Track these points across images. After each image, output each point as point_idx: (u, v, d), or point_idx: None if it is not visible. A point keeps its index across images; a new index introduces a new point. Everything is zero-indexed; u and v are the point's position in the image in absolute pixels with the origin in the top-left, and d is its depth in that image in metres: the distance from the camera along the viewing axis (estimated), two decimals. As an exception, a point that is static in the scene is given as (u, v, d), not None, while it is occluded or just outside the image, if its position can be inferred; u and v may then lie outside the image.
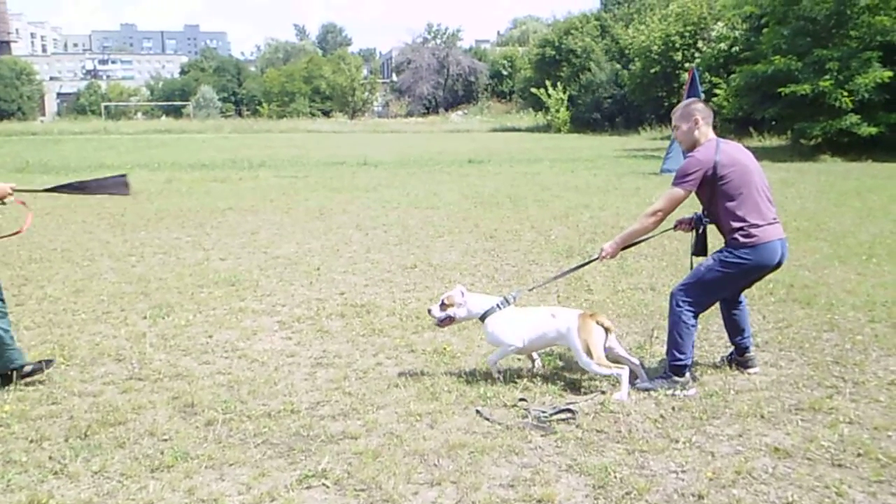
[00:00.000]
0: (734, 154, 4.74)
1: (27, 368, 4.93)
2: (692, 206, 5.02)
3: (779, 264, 4.78)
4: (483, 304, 5.02)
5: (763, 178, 4.81)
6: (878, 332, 5.98)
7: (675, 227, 5.27)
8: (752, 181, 4.70)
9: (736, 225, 4.67)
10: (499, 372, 5.00)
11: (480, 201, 14.64)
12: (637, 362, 4.96)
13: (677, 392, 4.70)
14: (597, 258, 5.22)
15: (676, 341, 4.79)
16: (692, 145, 4.83)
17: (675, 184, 4.74)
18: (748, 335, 5.13)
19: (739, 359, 5.14)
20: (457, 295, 5.02)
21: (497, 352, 4.99)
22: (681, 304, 4.79)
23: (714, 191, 4.69)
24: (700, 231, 5.04)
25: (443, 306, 5.03)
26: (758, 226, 4.65)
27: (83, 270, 8.57)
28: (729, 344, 5.27)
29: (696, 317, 4.81)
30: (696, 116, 4.80)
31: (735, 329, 5.12)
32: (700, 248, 5.05)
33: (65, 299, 7.25)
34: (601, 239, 4.97)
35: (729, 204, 4.67)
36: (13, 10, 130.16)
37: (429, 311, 5.16)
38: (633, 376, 4.83)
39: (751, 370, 5.08)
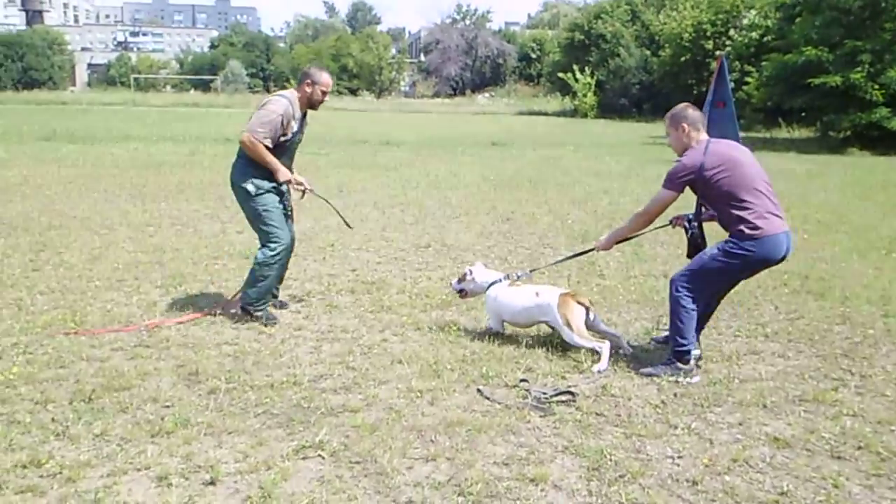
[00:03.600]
0: (724, 152, 4.69)
1: None
2: (687, 206, 5.08)
3: (783, 258, 4.73)
4: (487, 279, 5.56)
5: (762, 173, 4.74)
6: (890, 327, 5.91)
7: (671, 224, 5.33)
8: (748, 174, 4.64)
9: (740, 218, 4.61)
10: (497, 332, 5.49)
11: (500, 183, 14.60)
12: (618, 334, 5.28)
13: (680, 379, 4.69)
14: (592, 249, 5.53)
15: (678, 326, 4.76)
16: (683, 150, 4.82)
17: (663, 185, 4.78)
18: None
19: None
20: (467, 272, 5.66)
21: (490, 321, 5.56)
22: (680, 289, 4.77)
23: (711, 190, 4.67)
24: (690, 235, 5.08)
25: (460, 280, 5.71)
26: (763, 218, 4.59)
27: (101, 239, 8.66)
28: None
29: (695, 302, 4.77)
30: (683, 124, 4.81)
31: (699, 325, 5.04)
32: (692, 251, 5.07)
33: (81, 266, 7.34)
34: (618, 225, 5.08)
35: (730, 200, 4.63)
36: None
37: (451, 283, 5.91)
38: (615, 347, 5.10)
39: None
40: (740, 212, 4.60)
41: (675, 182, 4.72)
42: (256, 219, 5.69)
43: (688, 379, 4.69)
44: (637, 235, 5.30)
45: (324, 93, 5.67)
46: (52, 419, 3.97)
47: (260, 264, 5.67)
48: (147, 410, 4.11)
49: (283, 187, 5.79)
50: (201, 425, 3.93)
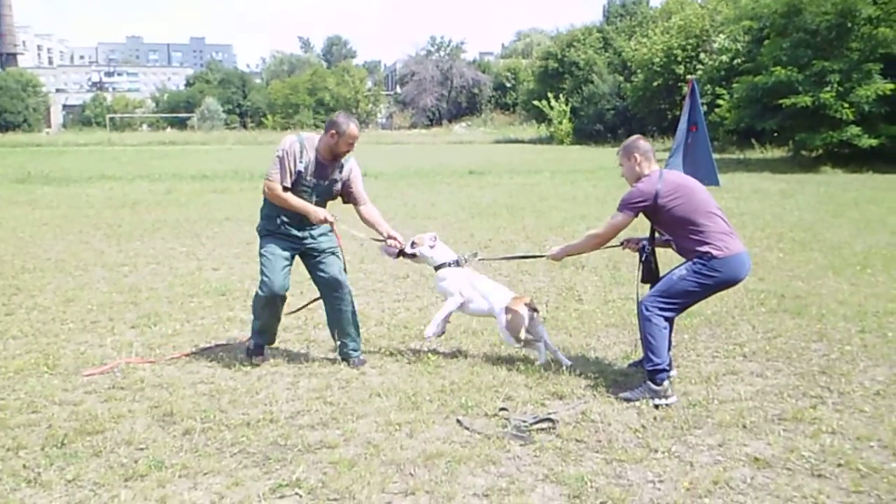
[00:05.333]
0: (676, 181, 4.89)
1: None
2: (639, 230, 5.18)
3: (743, 277, 4.88)
4: (444, 257, 5.68)
5: (712, 199, 4.91)
6: (867, 343, 5.95)
7: (622, 245, 5.42)
8: (701, 200, 4.83)
9: (702, 240, 4.74)
10: (436, 335, 5.63)
11: (478, 212, 14.64)
12: (554, 348, 5.53)
13: (657, 400, 4.68)
14: (544, 256, 5.77)
15: (650, 343, 4.79)
16: (636, 179, 4.99)
17: (618, 209, 4.92)
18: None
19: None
20: (427, 238, 5.70)
21: (443, 307, 5.62)
22: (650, 308, 4.83)
23: (667, 216, 4.83)
24: (644, 259, 5.17)
25: (413, 245, 5.68)
26: (724, 239, 4.74)
27: (75, 280, 8.58)
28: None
29: (667, 321, 4.84)
30: (635, 154, 4.98)
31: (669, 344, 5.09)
32: (647, 275, 5.18)
33: (54, 309, 7.25)
34: (572, 241, 5.32)
35: (687, 225, 4.78)
36: (20, 23, 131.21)
37: (406, 245, 5.71)
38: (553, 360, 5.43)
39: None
40: (700, 236, 4.74)
41: (629, 207, 4.88)
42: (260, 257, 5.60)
43: (665, 400, 4.68)
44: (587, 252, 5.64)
45: (350, 144, 5.40)
46: (24, 466, 3.90)
47: (252, 307, 5.69)
48: (121, 454, 4.04)
49: (316, 231, 5.60)
50: (176, 467, 3.86)
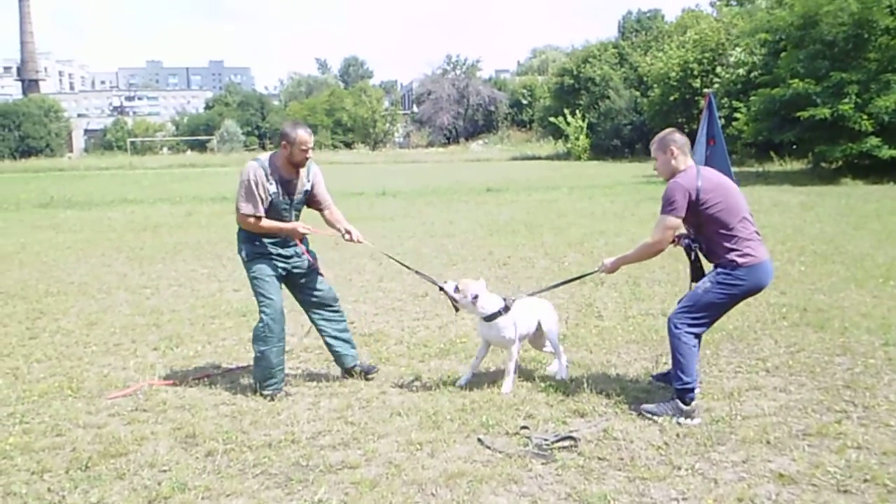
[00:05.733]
0: (715, 179, 4.75)
1: None
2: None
3: (767, 284, 4.80)
4: (492, 306, 5.37)
5: (745, 202, 4.79)
6: (891, 356, 5.88)
7: (674, 242, 5.05)
8: (737, 203, 4.70)
9: (731, 247, 4.66)
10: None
11: (496, 229, 14.65)
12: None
13: (682, 419, 4.64)
14: (596, 271, 5.37)
15: (679, 362, 4.73)
16: (671, 174, 4.83)
17: (663, 212, 4.74)
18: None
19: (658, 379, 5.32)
20: (472, 289, 5.36)
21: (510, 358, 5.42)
22: (679, 326, 4.76)
23: (701, 217, 4.68)
24: (693, 258, 5.00)
25: (456, 290, 5.41)
26: (751, 246, 4.67)
27: (98, 303, 8.66)
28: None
29: (697, 338, 4.77)
30: (672, 147, 4.83)
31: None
32: (696, 274, 5.01)
33: (78, 332, 7.32)
34: (625, 252, 5.15)
35: (720, 228, 4.67)
36: (41, 49, 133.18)
37: (447, 286, 5.48)
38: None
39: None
40: (729, 241, 4.65)
41: (674, 204, 4.67)
42: (251, 286, 5.48)
43: (688, 420, 4.65)
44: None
45: (303, 150, 5.27)
46: (49, 489, 3.93)
47: (254, 339, 5.42)
48: (144, 476, 4.07)
49: (298, 248, 5.56)
50: (199, 489, 3.88)
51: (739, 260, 4.63)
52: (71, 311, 8.24)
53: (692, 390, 4.72)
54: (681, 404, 4.70)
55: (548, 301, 5.85)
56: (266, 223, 5.31)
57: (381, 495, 3.77)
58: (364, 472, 4.05)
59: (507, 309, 5.36)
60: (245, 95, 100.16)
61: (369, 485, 3.89)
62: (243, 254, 5.48)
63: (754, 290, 4.75)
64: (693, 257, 4.99)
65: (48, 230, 16.32)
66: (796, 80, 24.95)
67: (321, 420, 4.86)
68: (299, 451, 4.36)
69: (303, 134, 5.28)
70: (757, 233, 4.76)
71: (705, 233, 4.76)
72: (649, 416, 4.72)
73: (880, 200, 18.50)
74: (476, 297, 5.35)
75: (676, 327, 4.76)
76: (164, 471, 4.14)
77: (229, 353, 6.50)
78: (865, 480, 3.82)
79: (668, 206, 4.71)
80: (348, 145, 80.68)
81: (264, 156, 5.42)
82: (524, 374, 5.63)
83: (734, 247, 4.64)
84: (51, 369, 6.12)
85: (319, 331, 5.73)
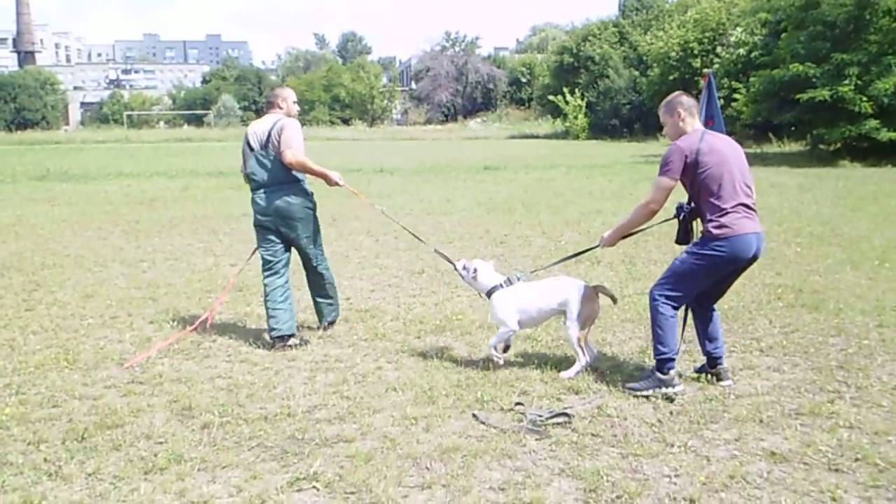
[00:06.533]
0: (717, 145, 4.69)
1: None
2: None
3: (754, 258, 4.73)
4: (489, 282, 5.40)
5: (745, 171, 4.73)
6: (885, 337, 5.91)
7: (676, 214, 5.06)
8: (729, 171, 4.63)
9: (710, 217, 4.65)
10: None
11: (493, 207, 14.64)
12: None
13: (664, 390, 4.69)
14: (597, 246, 5.37)
15: (658, 334, 4.79)
16: (679, 136, 4.81)
17: (659, 173, 4.74)
18: (720, 345, 5.01)
19: (711, 370, 5.02)
20: (473, 268, 5.44)
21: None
22: (657, 297, 4.80)
23: (694, 180, 4.67)
24: (681, 219, 4.96)
25: (465, 268, 5.51)
26: (732, 218, 4.62)
27: (94, 276, 8.66)
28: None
29: (675, 309, 4.80)
30: (679, 109, 4.82)
31: (706, 338, 5.02)
32: (682, 237, 4.98)
33: (74, 304, 7.32)
34: (620, 220, 5.14)
35: (707, 196, 4.65)
36: (38, 21, 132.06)
37: (458, 264, 5.61)
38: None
39: (723, 383, 4.94)
40: (711, 210, 4.64)
41: (669, 166, 4.69)
42: (317, 234, 6.21)
43: (671, 389, 4.69)
44: (644, 229, 5.16)
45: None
46: (45, 459, 3.94)
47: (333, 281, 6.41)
48: (140, 447, 4.09)
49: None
50: (195, 460, 3.90)
51: (715, 231, 4.62)
52: (67, 284, 8.23)
53: (670, 360, 4.75)
54: (659, 374, 4.75)
55: (582, 284, 5.29)
56: (314, 164, 5.96)
57: (376, 468, 3.79)
58: (359, 446, 4.07)
59: (504, 285, 5.32)
60: (242, 70, 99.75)
61: (364, 458, 3.91)
62: (312, 205, 6.11)
63: (732, 262, 4.70)
64: (682, 218, 4.95)
65: (44, 203, 16.28)
66: (796, 62, 24.85)
67: (317, 394, 4.88)
68: (295, 424, 4.38)
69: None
70: (746, 206, 4.67)
71: (698, 197, 4.73)
72: (636, 392, 4.76)
73: (878, 183, 18.52)
74: (475, 271, 5.40)
75: (655, 298, 4.82)
76: (161, 442, 4.15)
77: (225, 326, 6.51)
78: (857, 460, 3.85)
79: (664, 167, 4.72)
80: (346, 122, 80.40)
81: (282, 114, 6.06)
82: (519, 352, 5.64)
83: (713, 217, 4.63)
84: (47, 341, 6.12)
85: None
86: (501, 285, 5.33)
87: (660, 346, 4.77)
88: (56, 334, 6.32)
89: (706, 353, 5.02)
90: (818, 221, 12.02)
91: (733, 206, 4.63)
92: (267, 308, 5.93)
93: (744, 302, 7.02)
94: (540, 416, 4.38)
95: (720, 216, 4.62)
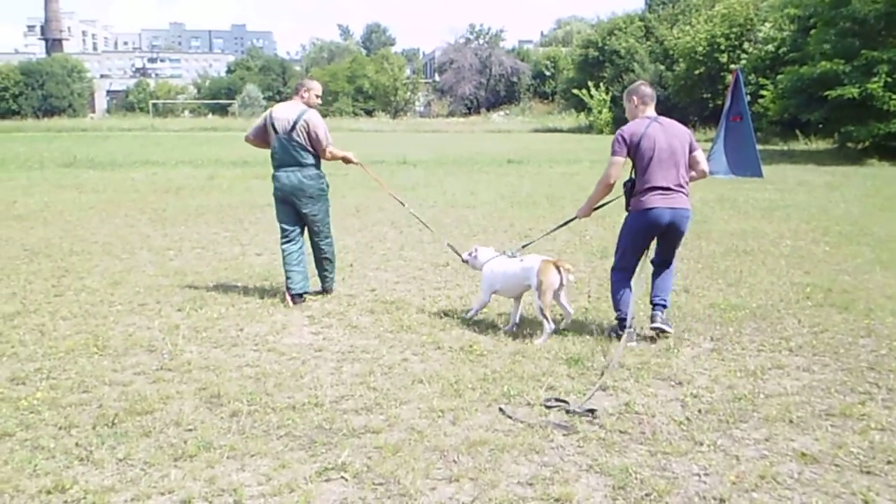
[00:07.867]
0: (654, 133, 5.54)
1: None
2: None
3: (671, 226, 5.58)
4: (486, 257, 6.38)
5: (676, 154, 5.54)
6: (916, 339, 5.83)
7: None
8: (658, 158, 5.48)
9: (633, 194, 5.64)
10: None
11: (517, 201, 14.60)
12: (570, 312, 6.09)
13: (627, 343, 5.40)
14: (574, 217, 6.38)
15: (614, 300, 5.84)
16: (633, 119, 5.74)
17: (611, 153, 5.63)
18: (662, 293, 5.82)
19: (651, 314, 5.83)
20: (473, 250, 6.55)
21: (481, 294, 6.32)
22: (612, 271, 5.90)
23: (633, 160, 5.60)
24: (625, 191, 5.80)
25: (470, 253, 6.57)
26: (646, 196, 5.53)
27: (122, 263, 8.73)
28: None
29: (625, 279, 5.75)
30: (634, 97, 5.78)
31: (653, 287, 5.90)
32: (628, 205, 5.86)
33: (102, 291, 7.39)
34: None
35: (637, 173, 5.61)
36: (65, 9, 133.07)
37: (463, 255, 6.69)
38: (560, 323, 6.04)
39: (653, 324, 5.73)
40: (637, 186, 5.58)
41: (614, 147, 5.61)
42: (327, 216, 7.07)
43: (629, 343, 5.42)
44: (609, 202, 6.08)
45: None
46: (76, 444, 3.99)
47: (332, 257, 7.26)
48: (170, 434, 4.12)
49: None
50: (224, 448, 3.93)
51: (631, 206, 5.67)
52: (95, 270, 8.31)
53: (622, 321, 5.64)
54: (619, 330, 5.62)
55: (541, 259, 5.88)
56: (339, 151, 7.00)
57: (404, 460, 3.80)
58: (387, 437, 4.08)
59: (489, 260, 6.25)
60: (267, 60, 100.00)
61: (392, 449, 3.92)
62: (326, 187, 7.02)
63: (648, 230, 5.63)
64: (625, 190, 5.78)
65: (71, 189, 16.44)
66: (825, 60, 24.52)
67: (344, 385, 4.90)
68: (322, 414, 4.40)
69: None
70: (664, 188, 5.48)
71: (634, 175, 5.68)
72: (614, 362, 5.13)
73: (907, 182, 18.26)
74: (476, 250, 6.49)
75: (611, 271, 5.90)
76: (190, 429, 4.19)
77: (252, 315, 6.54)
78: (889, 462, 3.81)
79: (613, 147, 5.64)
80: (369, 113, 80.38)
81: (304, 104, 6.93)
82: (546, 346, 5.63)
83: (635, 193, 5.60)
84: (76, 327, 6.19)
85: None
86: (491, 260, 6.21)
87: (615, 309, 5.81)
88: (85, 320, 6.39)
89: (651, 298, 5.88)
90: (847, 220, 11.88)
91: (650, 187, 5.51)
92: (285, 269, 6.90)
93: (772, 300, 6.96)
94: (580, 406, 4.41)
95: (639, 194, 5.57)
